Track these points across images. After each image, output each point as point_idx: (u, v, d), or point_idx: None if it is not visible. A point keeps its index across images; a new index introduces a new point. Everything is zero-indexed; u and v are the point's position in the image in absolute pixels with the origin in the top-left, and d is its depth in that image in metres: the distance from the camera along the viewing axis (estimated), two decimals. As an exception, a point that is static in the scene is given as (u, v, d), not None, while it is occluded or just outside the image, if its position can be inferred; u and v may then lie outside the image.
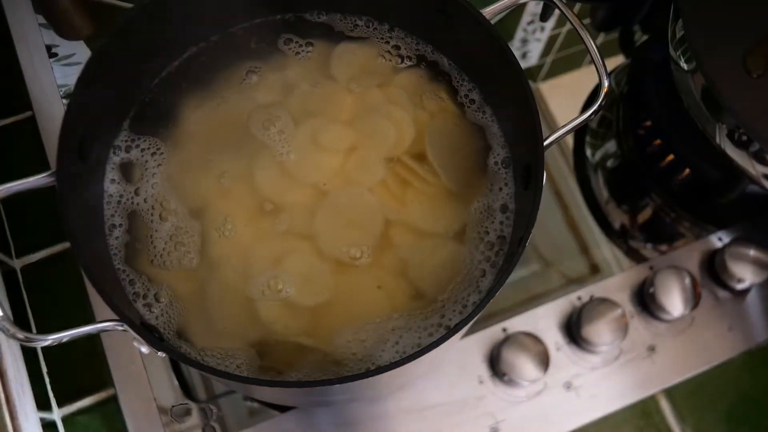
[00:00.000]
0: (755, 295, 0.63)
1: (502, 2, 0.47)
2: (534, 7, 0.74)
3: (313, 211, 0.49)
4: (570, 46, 0.74)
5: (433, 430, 0.57)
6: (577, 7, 0.74)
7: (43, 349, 0.59)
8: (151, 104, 0.51)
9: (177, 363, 0.59)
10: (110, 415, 0.58)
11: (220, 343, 0.46)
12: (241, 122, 0.51)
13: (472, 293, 0.47)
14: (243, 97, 0.52)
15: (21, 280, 0.61)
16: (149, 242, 0.48)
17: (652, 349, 0.60)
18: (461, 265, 0.48)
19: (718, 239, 0.64)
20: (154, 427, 0.56)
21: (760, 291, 0.63)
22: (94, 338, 0.57)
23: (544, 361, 0.57)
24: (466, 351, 0.59)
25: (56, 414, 0.58)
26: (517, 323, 0.60)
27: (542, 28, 0.74)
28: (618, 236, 0.67)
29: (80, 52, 0.67)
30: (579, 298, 0.61)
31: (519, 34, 0.74)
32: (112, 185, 0.48)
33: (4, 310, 0.39)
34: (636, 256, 0.66)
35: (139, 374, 0.57)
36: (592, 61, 0.45)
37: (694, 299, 0.59)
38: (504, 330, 0.60)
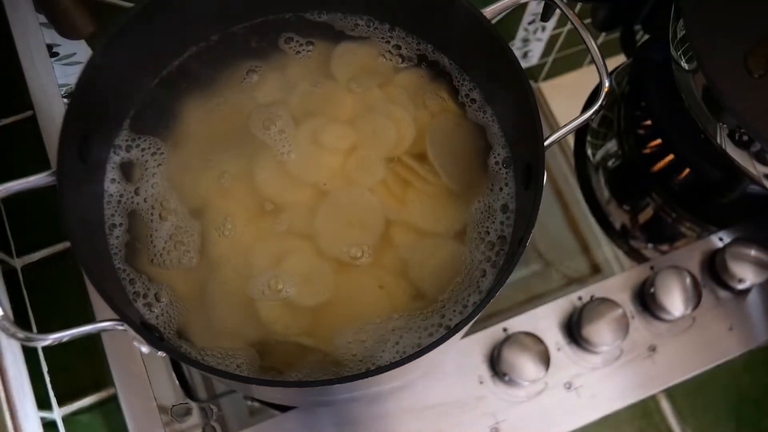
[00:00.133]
0: (756, 295, 0.63)
1: (502, 2, 0.47)
2: (535, 7, 0.73)
3: (313, 211, 0.49)
4: (571, 45, 0.74)
5: (433, 430, 0.57)
6: (578, 6, 0.74)
7: (44, 348, 0.59)
8: (152, 104, 0.51)
9: (177, 363, 0.59)
10: (110, 414, 0.58)
11: (220, 343, 0.46)
12: (242, 122, 0.51)
13: (472, 293, 0.47)
14: (243, 96, 0.52)
15: (21, 279, 0.61)
16: (149, 242, 0.48)
17: (652, 349, 0.60)
18: (462, 265, 0.47)
19: (719, 239, 0.64)
20: (154, 427, 0.56)
21: (761, 291, 0.63)
22: (94, 338, 0.57)
23: (544, 361, 0.57)
24: (466, 351, 0.59)
25: (57, 413, 0.58)
26: (517, 323, 0.60)
27: (543, 28, 0.74)
28: (619, 236, 0.67)
29: (81, 52, 0.67)
30: (579, 298, 0.61)
31: (520, 33, 0.74)
32: (112, 185, 0.48)
33: (4, 310, 0.39)
34: (637, 256, 0.66)
35: (140, 374, 0.57)
36: (593, 60, 0.45)
37: (694, 299, 0.59)
38: (504, 330, 0.60)
